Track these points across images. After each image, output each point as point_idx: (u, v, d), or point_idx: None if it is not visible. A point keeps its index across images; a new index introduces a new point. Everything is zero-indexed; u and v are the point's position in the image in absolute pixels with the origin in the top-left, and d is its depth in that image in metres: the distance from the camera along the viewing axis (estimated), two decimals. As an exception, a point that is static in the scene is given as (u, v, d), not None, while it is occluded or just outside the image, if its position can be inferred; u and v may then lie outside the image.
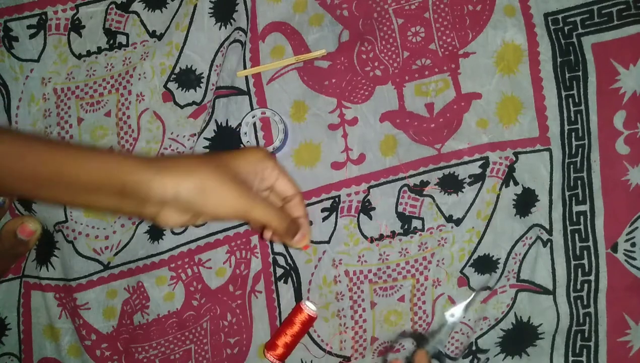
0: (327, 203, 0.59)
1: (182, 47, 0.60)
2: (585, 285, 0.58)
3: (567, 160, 0.57)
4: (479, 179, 0.58)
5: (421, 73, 0.58)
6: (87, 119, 0.61)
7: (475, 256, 0.58)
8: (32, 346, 0.63)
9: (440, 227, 0.58)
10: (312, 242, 0.59)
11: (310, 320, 0.58)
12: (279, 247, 0.60)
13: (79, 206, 0.56)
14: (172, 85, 0.60)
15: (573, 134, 0.57)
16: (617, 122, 0.56)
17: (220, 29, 0.59)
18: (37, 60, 0.61)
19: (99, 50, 0.61)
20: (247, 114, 0.59)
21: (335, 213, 0.59)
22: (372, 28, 0.59)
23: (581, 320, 0.58)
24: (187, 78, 0.60)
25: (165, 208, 0.41)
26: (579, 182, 0.57)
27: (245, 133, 0.59)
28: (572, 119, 0.57)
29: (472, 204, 0.58)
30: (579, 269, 0.58)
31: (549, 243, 0.58)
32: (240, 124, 0.59)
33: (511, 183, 0.58)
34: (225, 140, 0.60)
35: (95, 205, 0.43)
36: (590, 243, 0.57)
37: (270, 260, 0.60)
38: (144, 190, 0.40)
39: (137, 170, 0.40)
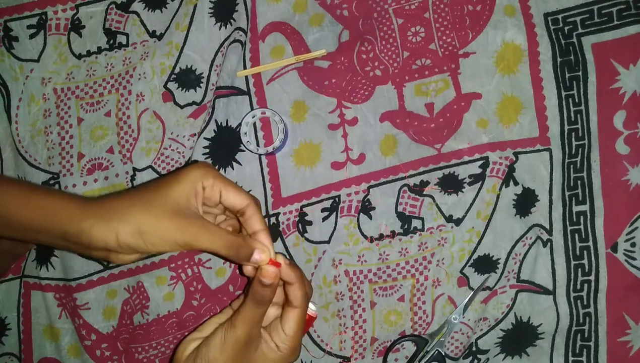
0: (327, 203, 0.59)
1: (182, 47, 0.60)
2: (585, 285, 0.58)
3: (567, 160, 0.57)
4: (479, 178, 0.58)
5: (421, 73, 0.58)
6: (87, 119, 0.61)
7: (475, 256, 0.58)
8: (32, 346, 0.63)
9: (440, 227, 0.58)
10: (311, 241, 0.59)
11: (310, 320, 0.58)
12: (279, 247, 0.60)
13: (33, 242, 0.57)
14: (172, 85, 0.60)
15: (573, 134, 0.57)
16: (617, 122, 0.56)
17: (220, 29, 0.59)
18: (37, 60, 0.61)
19: (99, 50, 0.61)
20: (247, 114, 0.59)
21: (335, 213, 0.59)
22: (372, 28, 0.59)
23: (581, 320, 0.58)
24: (187, 78, 0.60)
25: (111, 252, 0.42)
26: (579, 182, 0.57)
27: (245, 133, 0.59)
28: (572, 119, 0.57)
29: (472, 204, 0.58)
30: (579, 269, 0.58)
31: (549, 243, 0.58)
32: (240, 124, 0.59)
33: (511, 183, 0.58)
34: (225, 140, 0.60)
35: (47, 244, 0.45)
36: (590, 243, 0.57)
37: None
38: (86, 240, 0.41)
39: (76, 219, 0.41)
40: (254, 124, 0.60)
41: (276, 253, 0.46)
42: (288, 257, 0.60)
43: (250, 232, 0.46)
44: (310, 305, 0.57)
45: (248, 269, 0.47)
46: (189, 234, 0.42)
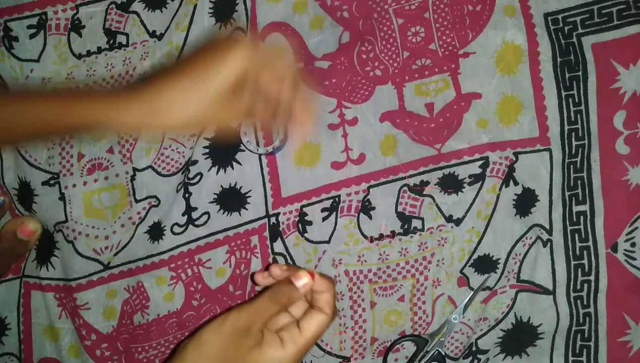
0: (327, 203, 0.59)
1: (182, 47, 0.60)
2: (585, 285, 0.58)
3: (567, 160, 0.57)
4: (479, 178, 0.58)
5: (421, 73, 0.58)
6: (87, 119, 0.61)
7: (475, 256, 0.58)
8: (32, 346, 0.63)
9: (440, 227, 0.58)
10: (311, 241, 0.59)
11: None
12: (279, 247, 0.60)
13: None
14: (172, 85, 0.60)
15: (573, 134, 0.57)
16: (617, 122, 0.56)
17: (220, 29, 0.59)
18: (37, 60, 0.61)
19: (99, 50, 0.61)
20: (247, 114, 0.59)
21: (335, 213, 0.59)
22: (372, 28, 0.59)
23: (581, 320, 0.58)
24: (187, 78, 0.60)
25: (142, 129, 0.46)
26: (579, 182, 0.57)
27: (245, 133, 0.59)
28: (572, 119, 0.57)
29: (472, 204, 0.58)
30: (579, 269, 0.58)
31: (549, 243, 0.58)
32: (240, 124, 0.59)
33: (511, 183, 0.58)
34: (225, 140, 0.60)
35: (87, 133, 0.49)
36: (590, 243, 0.57)
37: (270, 260, 0.60)
38: (115, 127, 0.45)
39: (106, 109, 0.43)
40: (254, 124, 0.60)
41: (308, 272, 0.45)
42: (288, 256, 0.60)
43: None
44: None
45: (259, 279, 0.47)
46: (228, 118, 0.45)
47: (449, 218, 0.58)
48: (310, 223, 0.59)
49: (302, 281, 0.44)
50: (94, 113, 0.44)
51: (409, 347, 0.60)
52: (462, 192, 0.58)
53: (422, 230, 0.58)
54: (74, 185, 0.60)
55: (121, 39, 0.61)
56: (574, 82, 0.56)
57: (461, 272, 0.59)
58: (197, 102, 0.43)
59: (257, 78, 0.45)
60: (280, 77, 0.46)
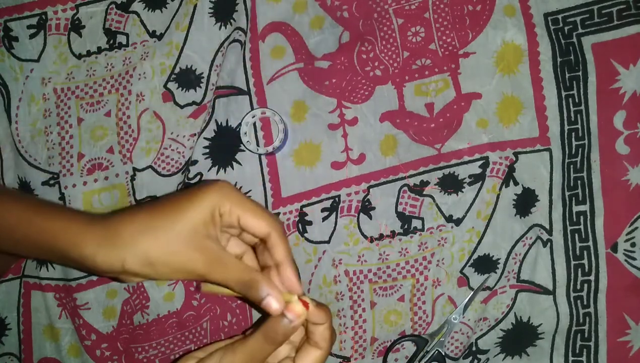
0: (327, 203, 0.59)
1: (182, 47, 0.60)
2: (585, 285, 0.58)
3: (567, 160, 0.57)
4: (479, 178, 0.58)
5: (421, 73, 0.58)
6: (87, 119, 0.61)
7: (475, 256, 0.58)
8: (32, 346, 0.63)
9: (440, 227, 0.58)
10: (311, 241, 0.59)
11: None
12: (279, 247, 0.60)
13: (40, 259, 0.53)
14: (172, 85, 0.60)
15: (573, 134, 0.57)
16: (617, 122, 0.56)
17: (220, 29, 0.59)
18: (37, 60, 0.61)
19: (99, 50, 0.61)
20: (247, 114, 0.59)
21: (335, 213, 0.59)
22: (372, 28, 0.59)
23: (581, 320, 0.58)
24: (187, 78, 0.60)
25: (119, 274, 0.40)
26: (579, 182, 0.57)
27: (245, 133, 0.59)
28: (572, 119, 0.57)
29: (472, 204, 0.58)
30: (579, 269, 0.58)
31: (549, 243, 0.58)
32: (240, 124, 0.59)
33: (511, 183, 0.58)
34: (225, 140, 0.60)
35: (55, 262, 0.42)
36: (590, 243, 0.57)
37: (270, 260, 0.60)
38: (90, 265, 0.39)
39: (79, 242, 0.39)
40: (254, 124, 0.60)
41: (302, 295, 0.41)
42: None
43: (274, 263, 0.42)
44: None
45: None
46: (202, 267, 0.39)
47: (449, 218, 0.58)
48: (310, 223, 0.59)
49: (295, 316, 0.39)
50: (49, 229, 0.40)
51: (409, 347, 0.60)
52: (462, 192, 0.58)
53: (422, 230, 0.58)
54: (74, 185, 0.60)
55: (121, 39, 0.61)
56: (574, 82, 0.56)
57: (461, 272, 0.59)
58: (157, 238, 0.38)
59: (232, 217, 0.41)
60: (259, 215, 0.41)
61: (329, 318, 0.42)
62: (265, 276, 0.41)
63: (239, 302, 0.60)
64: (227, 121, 0.60)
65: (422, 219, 0.58)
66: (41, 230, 0.40)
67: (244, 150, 0.59)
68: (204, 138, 0.60)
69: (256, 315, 0.61)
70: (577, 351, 0.58)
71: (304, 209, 0.59)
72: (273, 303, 0.39)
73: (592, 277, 0.57)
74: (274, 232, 0.41)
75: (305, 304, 0.40)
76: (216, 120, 0.60)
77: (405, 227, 0.58)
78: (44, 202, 0.54)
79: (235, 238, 0.45)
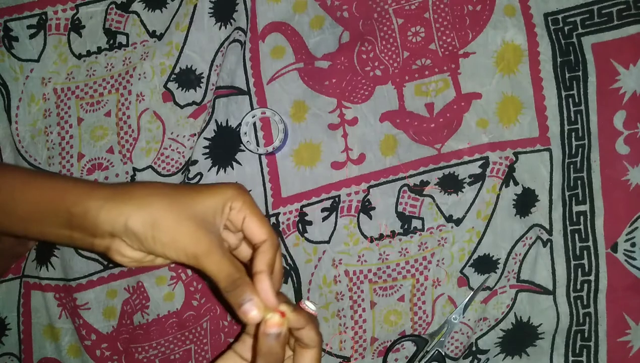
0: (327, 203, 0.59)
1: (182, 47, 0.60)
2: (585, 285, 0.58)
3: (567, 160, 0.57)
4: (479, 178, 0.58)
5: (421, 73, 0.58)
6: (87, 119, 0.61)
7: (475, 256, 0.58)
8: (32, 346, 0.63)
9: (440, 227, 0.58)
10: (311, 241, 0.59)
11: None
12: (279, 247, 0.60)
13: (34, 237, 0.50)
14: (172, 85, 0.60)
15: (573, 134, 0.57)
16: (617, 122, 0.56)
17: (220, 29, 0.59)
18: (37, 60, 0.61)
19: (99, 50, 0.61)
20: (247, 114, 0.59)
21: (335, 213, 0.59)
22: (372, 28, 0.59)
23: (581, 320, 0.58)
24: (187, 78, 0.60)
25: (115, 241, 0.39)
26: (579, 182, 0.57)
27: (245, 133, 0.59)
28: (572, 119, 0.57)
29: (472, 204, 0.58)
30: (579, 269, 0.58)
31: (549, 243, 0.58)
32: (240, 124, 0.59)
33: (511, 183, 0.58)
34: (225, 140, 0.60)
35: (48, 237, 0.40)
36: (590, 243, 0.57)
37: (270, 260, 0.60)
38: (92, 220, 0.37)
39: (84, 198, 0.38)
40: (254, 124, 0.60)
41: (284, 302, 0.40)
42: (289, 256, 0.60)
43: (253, 270, 0.41)
44: (310, 305, 0.57)
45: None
46: (201, 248, 0.38)
47: (449, 218, 0.58)
48: (310, 223, 0.59)
49: (274, 330, 0.38)
50: (52, 188, 0.39)
51: (409, 347, 0.60)
52: (462, 192, 0.58)
53: (422, 230, 0.58)
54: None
55: (121, 39, 0.61)
56: (574, 82, 0.56)
57: (461, 272, 0.59)
58: (170, 206, 0.38)
59: (239, 215, 0.41)
60: (262, 222, 0.42)
61: (310, 320, 0.41)
62: (252, 284, 0.40)
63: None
64: (227, 121, 0.60)
65: (422, 219, 0.58)
66: (45, 190, 0.39)
67: (244, 150, 0.59)
68: (204, 138, 0.60)
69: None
70: (577, 351, 0.58)
71: (304, 209, 0.59)
72: (252, 310, 0.39)
73: (592, 277, 0.57)
74: (269, 240, 0.42)
75: (282, 313, 0.39)
76: (216, 120, 0.60)
77: (405, 227, 0.58)
78: (43, 170, 0.54)
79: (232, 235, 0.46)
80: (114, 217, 0.37)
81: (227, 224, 0.43)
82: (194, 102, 0.60)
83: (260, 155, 0.60)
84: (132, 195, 0.38)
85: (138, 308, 0.60)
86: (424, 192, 0.58)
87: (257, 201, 0.58)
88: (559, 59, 0.57)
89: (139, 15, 0.61)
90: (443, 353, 0.59)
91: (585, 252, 0.57)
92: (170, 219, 0.38)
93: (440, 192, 0.58)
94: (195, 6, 0.59)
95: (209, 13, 0.59)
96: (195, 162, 0.60)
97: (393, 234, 0.59)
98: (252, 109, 0.60)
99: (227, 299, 0.40)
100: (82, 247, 0.42)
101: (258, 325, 0.40)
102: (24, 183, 0.39)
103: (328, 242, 0.59)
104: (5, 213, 0.40)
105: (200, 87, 0.60)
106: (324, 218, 0.59)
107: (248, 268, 0.44)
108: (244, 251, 0.45)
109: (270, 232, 0.42)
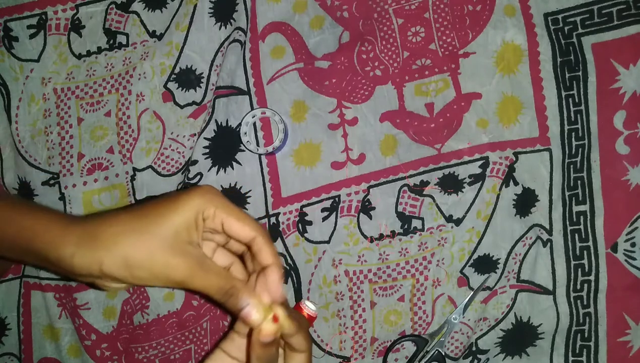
0: (327, 203, 0.59)
1: (182, 47, 0.60)
2: (585, 285, 0.58)
3: (567, 160, 0.57)
4: (479, 178, 0.58)
5: (421, 73, 0.58)
6: (87, 119, 0.61)
7: (475, 256, 0.58)
8: (32, 346, 0.63)
9: (440, 227, 0.58)
10: (311, 241, 0.59)
11: (310, 320, 0.58)
12: (279, 247, 0.60)
13: (20, 262, 0.51)
14: (172, 85, 0.60)
15: (573, 134, 0.57)
16: (617, 122, 0.56)
17: (220, 29, 0.59)
18: (37, 60, 0.61)
19: (99, 50, 0.61)
20: (247, 114, 0.59)
21: (335, 213, 0.59)
22: (372, 28, 0.59)
23: (581, 320, 0.58)
24: (187, 78, 0.60)
25: (96, 279, 0.39)
26: (579, 182, 0.57)
27: (245, 133, 0.59)
28: (572, 119, 0.57)
29: (472, 204, 0.58)
30: (579, 269, 0.58)
31: (549, 243, 0.58)
32: (240, 124, 0.59)
33: (511, 183, 0.58)
34: (225, 140, 0.60)
35: (34, 265, 0.41)
36: (590, 243, 0.57)
37: (270, 260, 0.60)
38: (68, 266, 0.38)
39: (57, 243, 0.38)
40: (254, 124, 0.60)
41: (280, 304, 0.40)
42: (289, 256, 0.60)
43: (260, 267, 0.41)
44: (310, 305, 0.57)
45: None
46: (183, 273, 0.37)
47: (449, 218, 0.58)
48: (310, 223, 0.59)
49: (267, 339, 0.38)
50: (28, 229, 0.39)
51: (409, 347, 0.60)
52: (462, 192, 0.58)
53: (422, 230, 0.58)
54: (74, 185, 0.60)
55: (121, 39, 0.61)
56: (574, 82, 0.56)
57: (461, 272, 0.59)
58: (138, 241, 0.37)
59: (216, 222, 0.40)
60: (242, 219, 0.40)
61: (301, 326, 0.41)
62: (247, 286, 0.40)
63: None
64: (227, 121, 0.60)
65: (422, 219, 0.58)
66: (21, 229, 0.39)
67: (244, 150, 0.59)
68: (204, 138, 0.60)
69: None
70: (577, 351, 0.58)
71: (304, 209, 0.59)
72: (253, 313, 0.39)
73: (592, 277, 0.57)
74: (259, 236, 0.40)
75: (275, 318, 0.39)
76: (216, 120, 0.60)
77: (405, 227, 0.58)
78: (24, 201, 0.53)
79: (222, 249, 0.44)
80: (88, 264, 0.37)
81: (207, 233, 0.41)
82: (194, 102, 0.60)
83: (260, 155, 0.59)
84: (100, 237, 0.38)
85: (138, 308, 0.60)
86: (424, 192, 0.58)
87: (257, 201, 0.59)
88: (559, 59, 0.57)
89: (139, 15, 0.61)
90: (443, 353, 0.59)
91: (585, 252, 0.57)
92: (142, 255, 0.37)
93: (440, 192, 0.58)
94: (195, 6, 0.59)
95: (209, 13, 0.59)
96: (195, 162, 0.60)
97: (393, 234, 0.59)
98: (252, 109, 0.60)
99: (225, 308, 0.40)
100: (69, 277, 0.42)
101: (251, 329, 0.40)
102: (2, 221, 0.40)
103: (328, 242, 0.59)
104: None
105: (200, 87, 0.60)
106: (324, 219, 0.59)
107: (242, 260, 0.45)
108: (235, 245, 0.44)
109: (254, 226, 0.41)
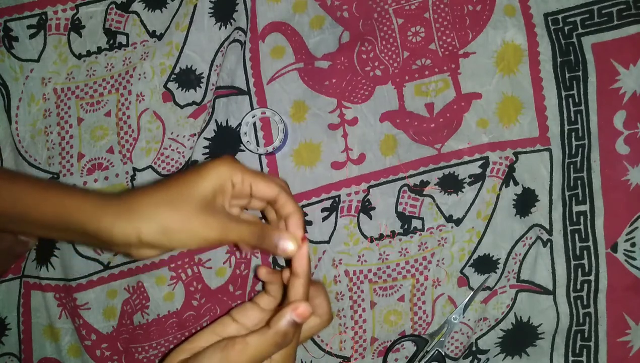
0: (327, 203, 0.59)
1: (182, 47, 0.60)
2: (585, 285, 0.58)
3: (567, 160, 0.57)
4: (479, 178, 0.58)
5: (421, 73, 0.58)
6: (87, 119, 0.61)
7: (475, 256, 0.58)
8: (32, 346, 0.63)
9: (440, 227, 0.58)
10: (311, 241, 0.59)
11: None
12: (279, 247, 0.60)
13: (57, 239, 0.55)
14: (172, 85, 0.60)
15: (573, 134, 0.57)
16: (617, 122, 0.56)
17: (220, 29, 0.59)
18: (37, 60, 0.61)
19: (99, 50, 0.61)
20: (247, 114, 0.59)
21: (335, 213, 0.59)
22: (372, 28, 0.59)
23: (581, 320, 0.58)
24: (187, 78, 0.60)
25: (133, 248, 0.41)
26: (579, 182, 0.57)
27: (245, 133, 0.59)
28: (572, 119, 0.57)
29: (472, 204, 0.58)
30: (579, 269, 0.58)
31: (549, 243, 0.58)
32: (240, 124, 0.59)
33: (511, 183, 0.58)
34: (225, 140, 0.60)
35: (72, 241, 0.44)
36: (590, 243, 0.57)
37: (270, 260, 0.60)
38: (107, 237, 0.40)
39: (94, 218, 0.40)
40: (254, 124, 0.60)
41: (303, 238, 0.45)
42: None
43: (284, 216, 0.45)
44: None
45: (262, 273, 0.48)
46: (218, 230, 0.41)
47: (449, 218, 0.58)
48: (310, 223, 0.59)
49: (301, 316, 0.41)
50: (66, 205, 0.41)
51: (409, 347, 0.60)
52: (462, 192, 0.58)
53: (422, 230, 0.58)
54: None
55: (121, 39, 0.61)
56: (574, 82, 0.56)
57: (461, 272, 0.59)
58: (174, 208, 0.40)
59: (245, 185, 0.44)
60: (268, 179, 0.45)
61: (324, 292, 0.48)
62: (277, 227, 0.46)
63: (239, 301, 0.60)
64: (227, 121, 0.60)
65: (422, 219, 0.58)
66: (57, 207, 0.41)
67: (244, 150, 0.59)
68: (204, 138, 0.60)
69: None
70: (577, 351, 0.58)
71: (304, 209, 0.59)
72: (289, 245, 0.43)
73: (592, 277, 0.57)
74: (283, 191, 0.45)
75: (304, 238, 0.44)
76: (216, 120, 0.60)
77: (405, 227, 0.58)
78: (56, 182, 0.56)
79: (245, 211, 0.49)
80: (127, 233, 0.40)
81: (235, 197, 0.45)
82: (194, 102, 0.60)
83: (260, 155, 0.60)
84: (137, 209, 0.40)
85: (138, 308, 0.60)
86: (424, 192, 0.58)
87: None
88: (559, 59, 0.57)
89: (139, 15, 0.61)
90: (443, 353, 0.59)
91: (585, 252, 0.57)
92: (178, 221, 0.40)
93: (440, 192, 0.58)
94: (195, 6, 0.59)
95: (209, 13, 0.59)
96: (195, 162, 0.60)
97: (393, 234, 0.59)
98: (252, 109, 0.60)
99: (263, 251, 0.46)
100: (104, 249, 0.47)
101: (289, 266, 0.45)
102: (38, 199, 0.41)
103: (328, 242, 0.59)
104: (26, 223, 0.42)
105: (200, 87, 0.60)
106: (324, 218, 0.59)
107: (264, 216, 0.50)
108: (257, 204, 0.48)
109: (279, 183, 0.46)
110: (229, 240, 0.42)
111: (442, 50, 0.58)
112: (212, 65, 0.59)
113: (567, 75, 0.57)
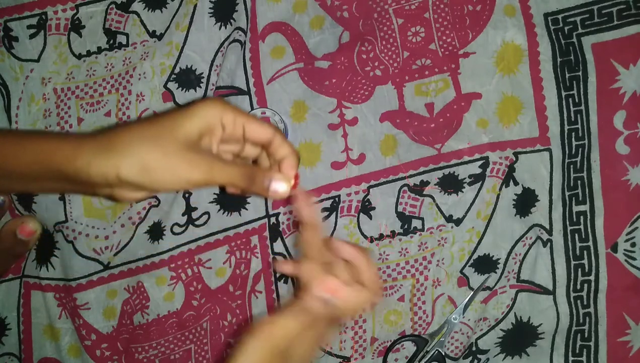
0: (327, 203, 0.59)
1: (182, 47, 0.60)
2: (585, 285, 0.58)
3: (567, 160, 0.57)
4: (479, 178, 0.58)
5: (421, 73, 0.58)
6: (87, 119, 0.61)
7: (475, 256, 0.58)
8: (32, 346, 0.63)
9: (440, 227, 0.58)
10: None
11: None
12: (279, 247, 0.60)
13: (36, 192, 0.52)
14: (172, 85, 0.60)
15: (573, 134, 0.57)
16: (617, 122, 0.56)
17: (220, 29, 0.59)
18: (37, 60, 0.61)
19: (99, 50, 0.61)
20: (247, 114, 0.59)
21: (335, 213, 0.59)
22: (372, 28, 0.59)
23: (581, 320, 0.58)
24: (187, 78, 0.60)
25: (114, 188, 0.39)
26: (579, 182, 0.57)
27: (245, 133, 0.59)
28: (572, 119, 0.57)
29: (472, 204, 0.58)
30: (579, 269, 0.58)
31: (549, 243, 0.58)
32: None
33: (511, 183, 0.58)
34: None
35: (51, 191, 0.41)
36: (590, 243, 0.57)
37: (270, 260, 0.60)
38: (85, 177, 0.38)
39: (72, 158, 0.38)
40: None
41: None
42: (289, 256, 0.60)
43: (278, 159, 0.43)
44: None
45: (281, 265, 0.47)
46: (203, 169, 0.38)
47: (449, 218, 0.58)
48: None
49: (278, 188, 0.41)
50: (44, 150, 0.39)
51: (409, 347, 0.60)
52: (462, 192, 0.58)
53: (422, 230, 0.58)
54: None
55: (121, 39, 0.61)
56: (574, 82, 0.56)
57: (461, 272, 0.59)
58: (155, 145, 0.38)
59: (237, 126, 0.41)
60: (261, 121, 0.43)
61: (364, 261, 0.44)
62: (268, 168, 0.44)
63: (239, 301, 0.60)
64: (227, 121, 0.60)
65: (422, 219, 0.58)
66: (36, 154, 0.39)
67: (244, 150, 0.59)
68: (204, 138, 0.60)
69: (256, 315, 0.61)
70: (577, 351, 0.58)
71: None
72: (280, 186, 0.41)
73: (592, 277, 0.57)
74: (277, 133, 0.42)
75: (297, 176, 0.43)
76: (216, 120, 0.60)
77: (405, 227, 0.58)
78: (35, 130, 0.54)
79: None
80: (105, 171, 0.37)
81: (227, 141, 0.42)
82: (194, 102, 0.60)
83: (260, 155, 0.59)
84: (115, 145, 0.38)
85: (138, 308, 0.60)
86: (424, 192, 0.58)
87: (257, 201, 0.59)
88: (559, 59, 0.57)
89: (139, 15, 0.61)
90: (443, 353, 0.59)
91: (585, 252, 0.57)
92: (160, 159, 0.38)
93: (440, 192, 0.58)
94: (195, 6, 0.59)
95: (209, 13, 0.59)
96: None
97: (393, 234, 0.59)
98: (252, 108, 0.60)
99: (253, 194, 0.42)
100: (87, 195, 0.44)
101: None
102: (16, 147, 0.40)
103: (328, 242, 0.59)
104: (3, 176, 0.40)
105: (200, 87, 0.60)
106: (324, 219, 0.59)
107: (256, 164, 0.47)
108: (249, 150, 0.45)
109: (272, 126, 0.43)
110: (215, 181, 0.39)
111: (442, 50, 0.58)
112: (212, 65, 0.59)
113: (567, 75, 0.57)
